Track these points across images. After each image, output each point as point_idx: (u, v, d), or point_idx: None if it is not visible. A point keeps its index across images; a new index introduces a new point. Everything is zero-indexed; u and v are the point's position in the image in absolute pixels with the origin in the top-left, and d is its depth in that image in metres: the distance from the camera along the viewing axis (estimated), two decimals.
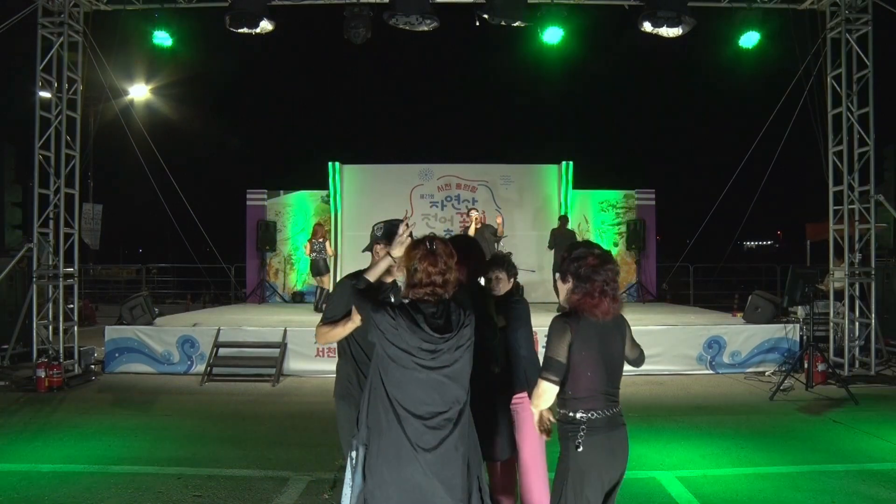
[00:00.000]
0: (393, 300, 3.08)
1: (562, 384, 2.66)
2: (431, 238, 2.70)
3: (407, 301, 2.65)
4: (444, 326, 2.58)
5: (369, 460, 2.58)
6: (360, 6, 8.92)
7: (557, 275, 2.84)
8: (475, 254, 3.39)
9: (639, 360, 2.89)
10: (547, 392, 2.65)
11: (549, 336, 2.67)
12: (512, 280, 3.60)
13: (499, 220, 10.81)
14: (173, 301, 18.55)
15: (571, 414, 2.66)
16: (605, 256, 2.71)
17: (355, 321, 3.10)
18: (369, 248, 3.44)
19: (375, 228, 3.42)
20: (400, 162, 15.19)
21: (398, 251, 2.86)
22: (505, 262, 3.60)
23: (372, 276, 2.93)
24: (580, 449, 2.61)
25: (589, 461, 2.62)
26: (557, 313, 2.78)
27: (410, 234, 2.91)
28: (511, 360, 3.40)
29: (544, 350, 2.69)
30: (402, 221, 3.01)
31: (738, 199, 11.75)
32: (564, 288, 2.76)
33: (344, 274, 12.02)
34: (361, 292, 2.79)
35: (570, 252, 2.76)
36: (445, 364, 2.57)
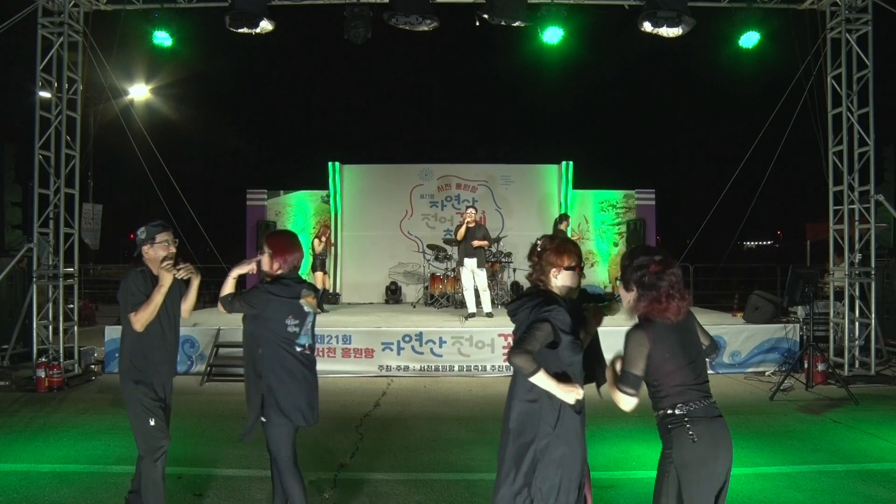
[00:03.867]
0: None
1: (653, 385, 2.68)
2: (542, 237, 3.18)
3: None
4: (512, 300, 3.11)
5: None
6: (360, 6, 8.93)
7: (619, 283, 2.84)
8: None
9: (710, 348, 2.90)
10: (627, 405, 2.65)
11: (627, 348, 2.66)
12: None
13: (470, 218, 10.20)
14: None
15: (670, 411, 2.67)
16: (667, 261, 2.73)
17: (157, 300, 3.68)
18: (138, 253, 3.87)
19: (139, 232, 3.85)
20: (400, 162, 15.21)
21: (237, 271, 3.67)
22: None
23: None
24: (694, 440, 2.61)
25: (698, 453, 2.62)
26: (631, 323, 2.76)
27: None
28: None
29: (621, 362, 2.68)
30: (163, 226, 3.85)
31: (738, 199, 11.75)
32: (628, 296, 2.78)
33: (343, 273, 11.96)
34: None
35: (631, 260, 2.77)
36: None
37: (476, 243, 10.10)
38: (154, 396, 3.75)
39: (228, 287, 3.64)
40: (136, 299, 3.70)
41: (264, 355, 3.53)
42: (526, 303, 2.95)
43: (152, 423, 3.69)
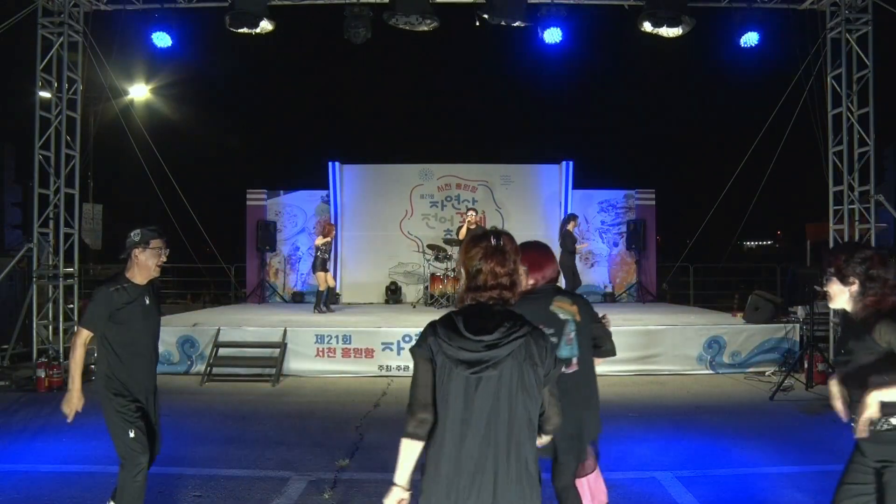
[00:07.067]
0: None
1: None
2: (497, 233, 2.22)
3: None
4: (485, 328, 2.05)
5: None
6: (360, 6, 8.93)
7: (832, 279, 2.65)
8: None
9: None
10: None
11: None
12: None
13: (471, 220, 10.62)
14: (173, 301, 18.52)
15: None
16: (884, 253, 2.62)
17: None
18: (127, 255, 3.76)
19: (133, 234, 3.73)
20: (400, 162, 15.18)
21: None
22: None
23: None
24: None
25: None
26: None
27: None
28: None
29: None
30: (158, 233, 3.72)
31: (738, 199, 11.75)
32: (844, 290, 2.62)
33: (343, 273, 11.96)
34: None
35: (852, 253, 2.61)
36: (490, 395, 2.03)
37: None
38: (134, 408, 3.66)
39: None
40: (91, 318, 3.64)
41: None
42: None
43: (132, 434, 3.61)
